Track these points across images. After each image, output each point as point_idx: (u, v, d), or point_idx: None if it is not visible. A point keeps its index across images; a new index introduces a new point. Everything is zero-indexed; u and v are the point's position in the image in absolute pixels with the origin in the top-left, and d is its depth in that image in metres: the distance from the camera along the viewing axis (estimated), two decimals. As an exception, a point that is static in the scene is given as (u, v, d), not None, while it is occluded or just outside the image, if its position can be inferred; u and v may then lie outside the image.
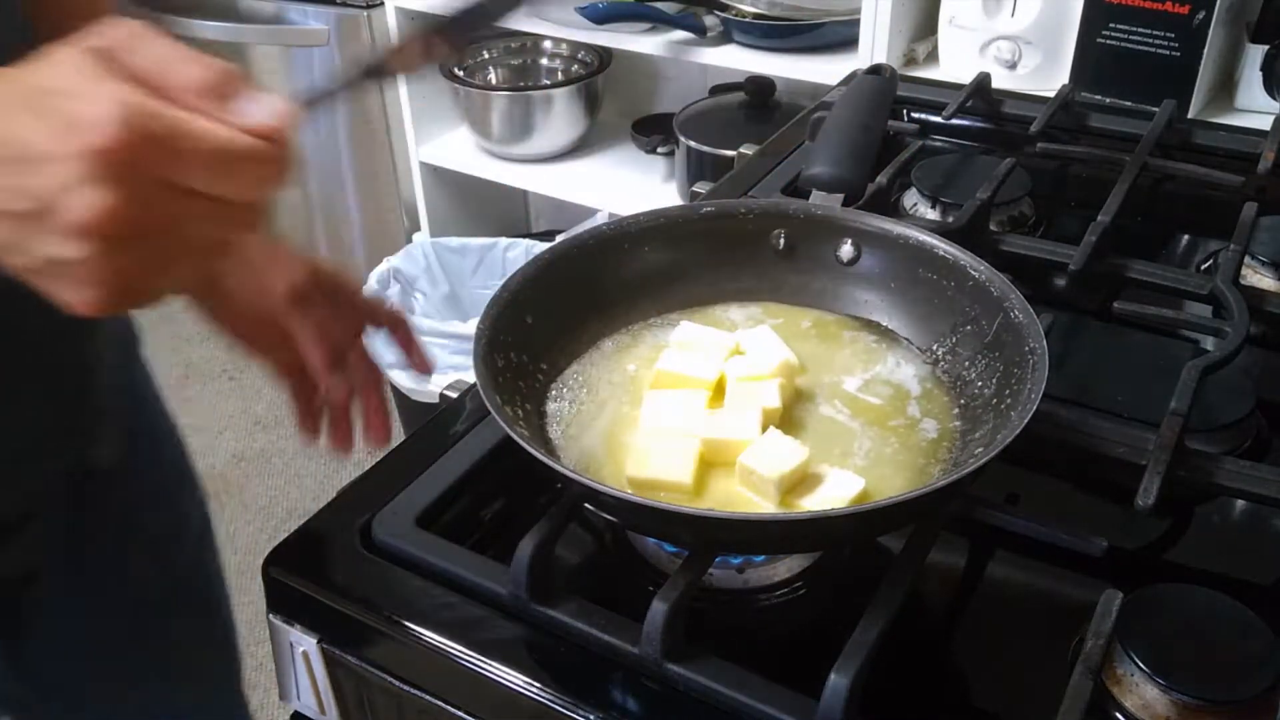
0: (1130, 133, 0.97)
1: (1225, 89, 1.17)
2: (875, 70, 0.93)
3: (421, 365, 0.79)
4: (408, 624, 0.56)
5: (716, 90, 1.78)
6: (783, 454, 0.55)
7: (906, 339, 0.66)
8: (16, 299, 0.44)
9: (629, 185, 1.82)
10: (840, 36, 1.50)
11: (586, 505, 0.56)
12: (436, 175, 2.00)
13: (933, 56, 1.34)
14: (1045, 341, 0.57)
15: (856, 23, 1.37)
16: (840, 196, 0.72)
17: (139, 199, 0.40)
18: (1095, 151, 0.95)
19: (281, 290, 0.70)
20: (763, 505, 0.55)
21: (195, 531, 0.86)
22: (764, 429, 0.57)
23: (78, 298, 0.42)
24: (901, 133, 0.96)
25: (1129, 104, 1.11)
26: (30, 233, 0.40)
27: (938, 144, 0.99)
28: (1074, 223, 0.84)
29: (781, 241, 0.70)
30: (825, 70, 1.46)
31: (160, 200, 0.41)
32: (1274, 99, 1.11)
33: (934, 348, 0.65)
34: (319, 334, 0.71)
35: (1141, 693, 0.50)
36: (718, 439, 0.57)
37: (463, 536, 0.60)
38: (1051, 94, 1.03)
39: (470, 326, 0.62)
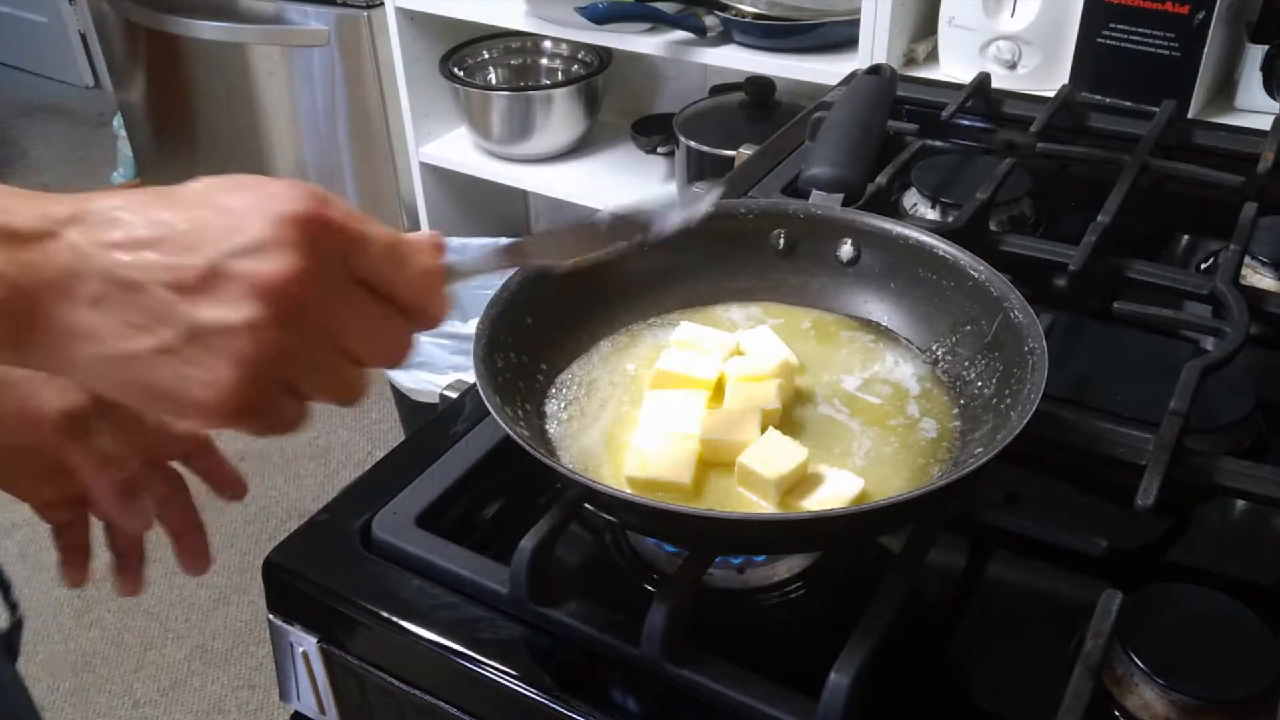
0: (1130, 133, 0.97)
1: (1225, 89, 1.17)
2: (875, 70, 0.93)
3: (230, 486, 0.65)
4: (408, 624, 0.56)
5: (716, 90, 1.78)
6: (782, 454, 0.55)
7: (906, 339, 0.66)
8: None
9: (629, 185, 1.82)
10: (840, 36, 1.50)
11: (586, 505, 0.56)
12: (436, 175, 2.00)
13: (933, 56, 1.34)
14: (1045, 342, 0.57)
15: (856, 23, 1.37)
16: (840, 196, 0.72)
17: (318, 270, 0.40)
18: (1095, 151, 0.95)
19: (53, 419, 0.58)
20: (762, 506, 0.55)
21: None
22: (763, 429, 0.57)
23: (212, 380, 0.40)
24: (901, 133, 0.96)
25: (1129, 104, 1.11)
26: (188, 299, 0.39)
27: (938, 144, 0.99)
28: (1074, 223, 0.84)
29: (781, 241, 0.70)
30: (825, 70, 1.46)
31: (334, 281, 0.41)
32: (1274, 99, 1.11)
33: (934, 348, 0.65)
34: (103, 466, 0.59)
35: (1141, 693, 0.50)
36: (717, 439, 0.57)
37: (463, 536, 0.60)
38: (1051, 94, 1.03)
39: (470, 326, 0.62)
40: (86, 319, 0.39)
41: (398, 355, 0.44)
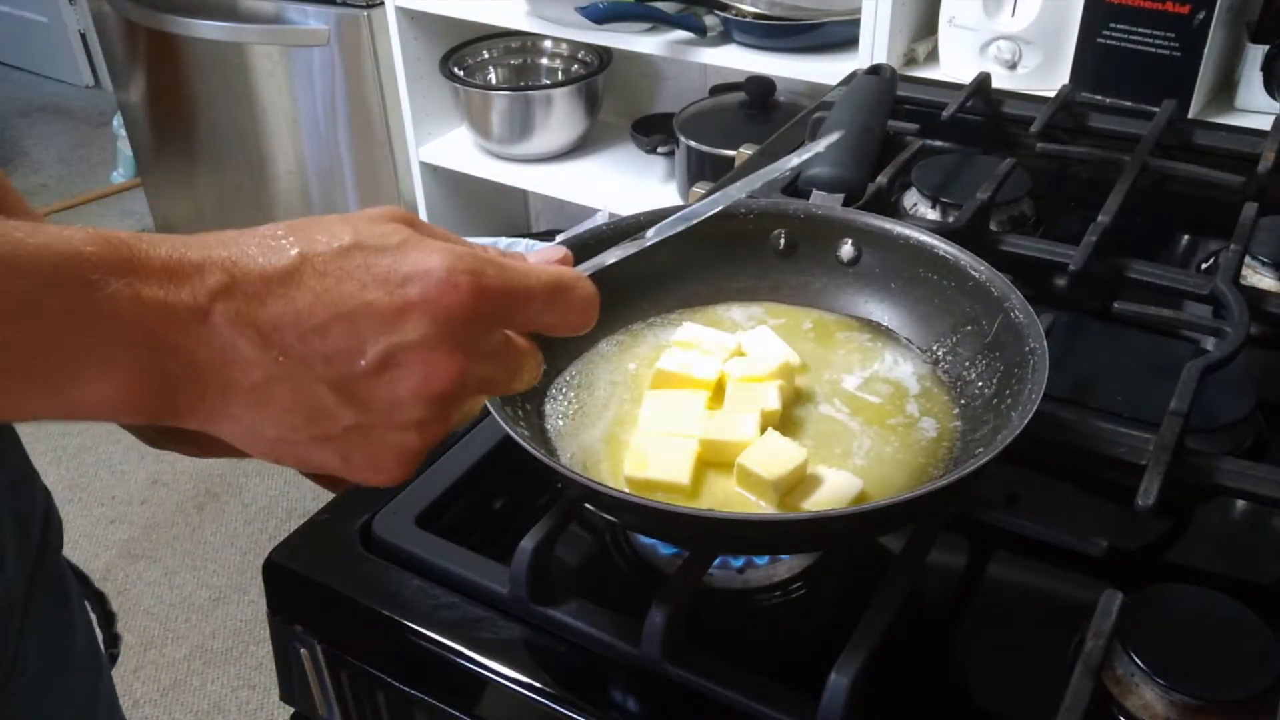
0: (1130, 133, 0.97)
1: (1225, 89, 1.17)
2: (875, 70, 0.93)
3: None
4: (408, 624, 0.56)
5: (716, 90, 1.78)
6: (781, 455, 0.55)
7: (907, 339, 0.66)
8: None
9: (629, 185, 1.82)
10: (840, 36, 1.50)
11: (586, 505, 0.56)
12: (436, 175, 2.00)
13: (933, 56, 1.34)
14: (1045, 342, 0.57)
15: (856, 23, 1.37)
16: (840, 196, 0.73)
17: (478, 354, 0.39)
18: (1095, 151, 0.95)
19: None
20: (761, 507, 0.55)
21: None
22: (762, 430, 0.57)
23: (382, 467, 0.40)
24: (901, 133, 0.96)
25: (1129, 104, 1.11)
26: (352, 398, 0.38)
27: (938, 144, 0.99)
28: (1074, 223, 0.84)
29: (782, 241, 0.70)
30: (825, 70, 1.46)
31: (492, 351, 0.41)
32: (1274, 99, 1.11)
33: (934, 348, 0.65)
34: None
35: (1141, 693, 0.50)
36: (716, 440, 0.57)
37: (463, 536, 0.60)
38: (1051, 94, 1.03)
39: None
40: (241, 408, 0.38)
41: (535, 378, 0.45)
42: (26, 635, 0.62)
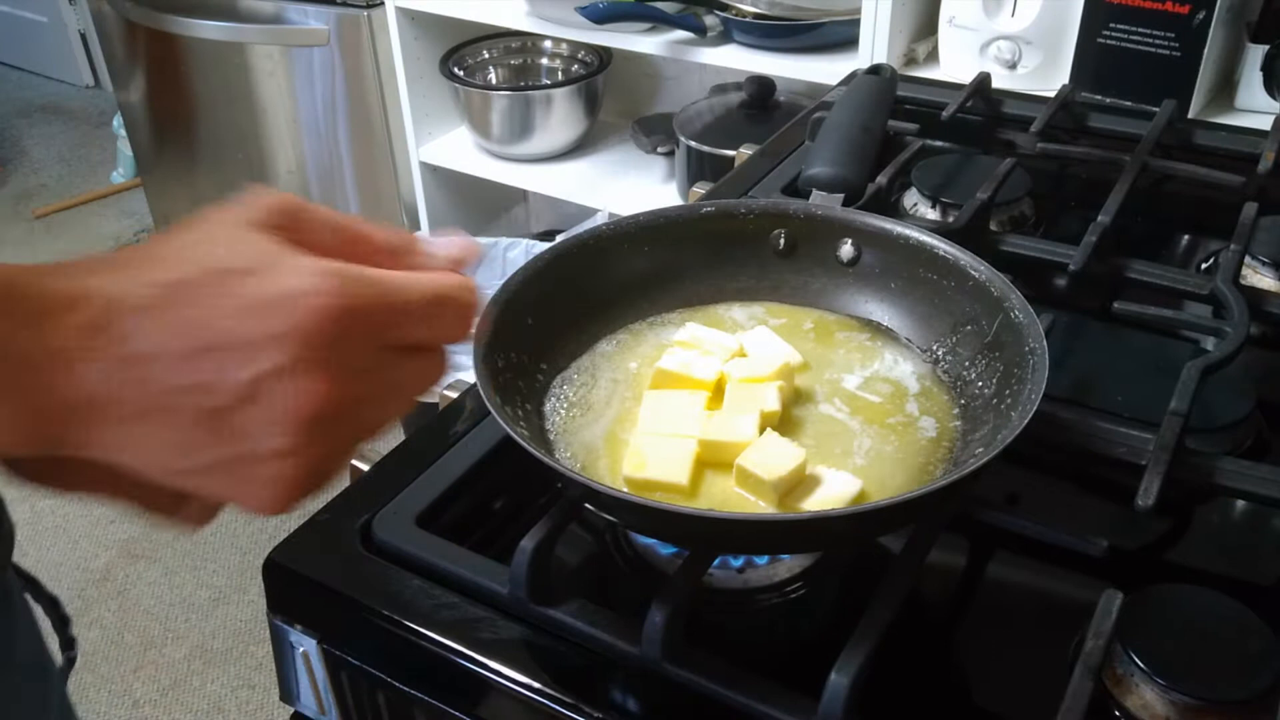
0: (1130, 133, 0.97)
1: (1225, 89, 1.17)
2: (875, 70, 0.93)
3: None
4: (408, 624, 0.56)
5: (716, 90, 1.78)
6: (780, 456, 0.55)
7: (906, 339, 0.66)
8: None
9: (629, 185, 1.83)
10: (840, 36, 1.50)
11: (586, 505, 0.56)
12: (436, 175, 2.00)
13: (933, 56, 1.34)
14: (1045, 341, 0.57)
15: (856, 23, 1.37)
16: (840, 196, 0.72)
17: (348, 374, 0.39)
18: (1095, 151, 0.95)
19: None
20: (760, 506, 0.55)
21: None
22: (761, 431, 0.57)
23: (263, 496, 0.40)
24: (901, 133, 0.96)
25: (1129, 104, 1.11)
26: (223, 428, 0.38)
27: (938, 144, 0.99)
28: (1074, 223, 0.84)
29: (781, 241, 0.70)
30: (825, 70, 1.46)
31: (366, 368, 0.40)
32: (1274, 99, 1.11)
33: (934, 348, 0.65)
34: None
35: (1141, 693, 0.50)
36: (715, 440, 0.57)
37: (463, 536, 0.60)
38: (1051, 94, 1.03)
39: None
40: (122, 437, 0.38)
41: (434, 385, 0.44)
42: None
